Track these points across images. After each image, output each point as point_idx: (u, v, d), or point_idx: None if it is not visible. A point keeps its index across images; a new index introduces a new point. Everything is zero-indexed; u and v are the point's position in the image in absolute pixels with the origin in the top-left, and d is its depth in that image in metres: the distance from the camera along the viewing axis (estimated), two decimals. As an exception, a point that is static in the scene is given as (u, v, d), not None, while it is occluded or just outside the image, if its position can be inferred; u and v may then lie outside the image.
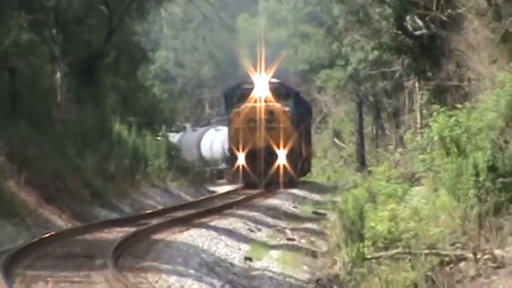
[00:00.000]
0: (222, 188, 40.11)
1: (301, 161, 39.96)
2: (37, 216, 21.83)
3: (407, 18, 28.08)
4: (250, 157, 36.70)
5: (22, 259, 15.26)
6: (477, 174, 16.71)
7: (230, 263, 17.43)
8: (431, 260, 15.76)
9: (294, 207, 30.75)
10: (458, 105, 19.83)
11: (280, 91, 38.02)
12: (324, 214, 27.30)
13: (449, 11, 25.76)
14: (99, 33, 35.07)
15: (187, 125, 59.69)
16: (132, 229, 19.70)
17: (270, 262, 18.37)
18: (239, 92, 38.31)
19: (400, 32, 28.23)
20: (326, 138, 63.89)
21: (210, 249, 18.32)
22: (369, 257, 17.01)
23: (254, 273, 17.07)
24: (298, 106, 39.10)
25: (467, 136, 18.21)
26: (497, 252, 15.55)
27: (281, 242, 21.85)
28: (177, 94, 72.18)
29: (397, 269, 15.79)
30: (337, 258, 18.30)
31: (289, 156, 36.85)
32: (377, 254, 16.99)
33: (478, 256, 15.58)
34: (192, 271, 15.09)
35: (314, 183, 43.90)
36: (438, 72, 26.27)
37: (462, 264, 15.75)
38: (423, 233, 16.61)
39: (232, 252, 18.73)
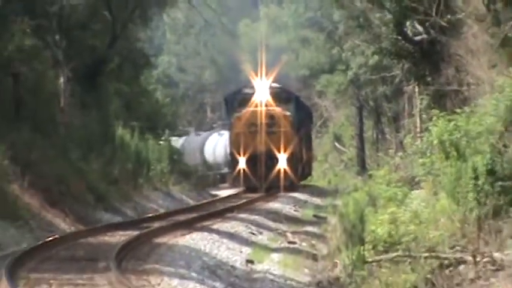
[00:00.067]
0: (224, 192, 40.10)
1: (301, 165, 39.95)
2: (41, 219, 21.88)
3: (407, 23, 28.17)
4: (251, 161, 36.68)
5: (26, 262, 15.31)
6: (476, 178, 16.81)
7: (232, 266, 17.52)
8: (431, 263, 15.84)
9: (294, 210, 30.76)
10: (458, 110, 19.96)
11: (280, 96, 38.01)
12: (325, 217, 27.30)
13: (449, 16, 25.89)
14: (102, 38, 35.05)
15: (191, 130, 59.68)
16: (135, 232, 19.75)
17: (271, 265, 18.43)
18: (240, 97, 38.28)
19: (400, 37, 28.33)
20: (327, 142, 63.88)
21: (212, 252, 18.40)
22: (369, 260, 17.06)
23: (255, 275, 17.16)
24: (298, 110, 39.13)
25: (466, 140, 18.31)
26: (496, 255, 15.64)
27: (282, 245, 21.88)
28: (179, 98, 72.17)
29: (397, 271, 15.86)
30: (338, 261, 18.32)
31: (289, 160, 36.86)
32: (377, 257, 17.04)
33: (478, 259, 15.66)
34: (194, 274, 15.17)
35: (315, 187, 43.91)
36: (438, 77, 26.34)
37: (461, 267, 15.81)
38: (423, 236, 16.69)
39: (233, 255, 18.80)
